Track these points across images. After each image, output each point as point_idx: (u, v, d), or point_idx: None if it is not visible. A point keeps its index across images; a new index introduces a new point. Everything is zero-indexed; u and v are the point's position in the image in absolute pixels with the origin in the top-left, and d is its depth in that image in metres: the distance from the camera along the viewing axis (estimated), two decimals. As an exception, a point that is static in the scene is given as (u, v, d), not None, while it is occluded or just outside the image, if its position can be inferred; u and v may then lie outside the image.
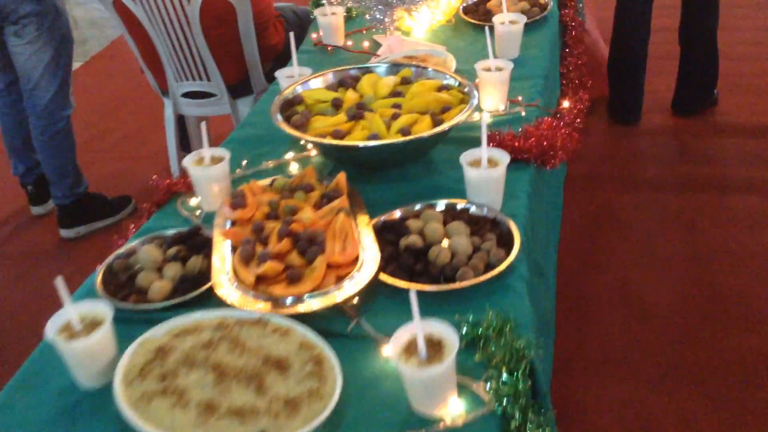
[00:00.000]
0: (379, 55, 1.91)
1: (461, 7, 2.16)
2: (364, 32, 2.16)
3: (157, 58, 2.58)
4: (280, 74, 1.76)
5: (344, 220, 1.25)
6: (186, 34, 2.46)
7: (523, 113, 1.68)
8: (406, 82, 1.56)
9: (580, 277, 2.38)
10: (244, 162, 1.58)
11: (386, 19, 1.80)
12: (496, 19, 1.88)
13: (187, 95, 2.69)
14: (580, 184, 2.83)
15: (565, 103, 1.95)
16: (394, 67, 1.61)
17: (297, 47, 1.82)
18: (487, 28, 1.74)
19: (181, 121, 2.92)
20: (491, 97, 1.68)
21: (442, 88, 1.52)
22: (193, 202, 1.48)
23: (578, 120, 1.89)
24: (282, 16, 2.85)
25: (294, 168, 1.53)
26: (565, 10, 2.43)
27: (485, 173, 1.32)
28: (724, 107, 3.34)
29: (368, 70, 1.61)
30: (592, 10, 3.83)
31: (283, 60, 2.27)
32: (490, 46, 1.66)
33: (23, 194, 3.04)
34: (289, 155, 1.57)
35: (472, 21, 2.08)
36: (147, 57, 2.62)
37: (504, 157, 1.33)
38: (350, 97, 1.51)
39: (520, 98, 1.72)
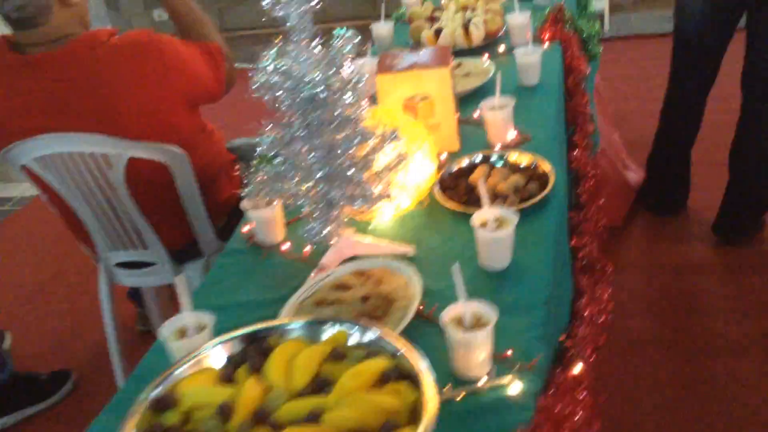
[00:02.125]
0: (323, 269, 1.40)
1: (436, 183, 1.61)
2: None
3: (82, 223, 2.12)
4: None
5: None
6: (112, 201, 2.01)
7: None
8: (337, 356, 1.04)
9: None
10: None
11: (327, 229, 1.31)
12: (477, 219, 1.36)
13: (123, 263, 2.22)
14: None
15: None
16: (318, 328, 1.09)
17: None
18: (473, 224, 1.29)
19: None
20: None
21: (388, 376, 0.99)
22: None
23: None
24: (240, 157, 2.39)
25: None
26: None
27: None
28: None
29: (283, 331, 1.10)
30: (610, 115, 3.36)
31: (240, 212, 1.79)
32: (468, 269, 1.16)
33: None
34: None
35: (451, 208, 1.55)
36: (71, 222, 2.16)
37: None
38: (248, 396, 0.99)
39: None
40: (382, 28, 2.52)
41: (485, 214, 1.34)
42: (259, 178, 1.30)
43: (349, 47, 1.26)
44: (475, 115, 1.90)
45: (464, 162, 1.66)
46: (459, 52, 2.35)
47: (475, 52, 2.35)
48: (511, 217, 1.33)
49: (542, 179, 1.55)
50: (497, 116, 1.71)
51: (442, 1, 2.71)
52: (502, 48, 2.35)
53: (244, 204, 1.50)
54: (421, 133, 1.51)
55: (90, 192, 1.98)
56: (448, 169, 1.64)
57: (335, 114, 1.25)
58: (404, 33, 2.60)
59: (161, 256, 2.15)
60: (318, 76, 1.22)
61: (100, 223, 2.08)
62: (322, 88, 1.22)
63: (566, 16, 2.48)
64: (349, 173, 1.27)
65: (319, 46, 1.25)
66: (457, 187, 1.57)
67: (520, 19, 2.31)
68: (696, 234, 2.90)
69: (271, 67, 1.24)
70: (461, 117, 1.91)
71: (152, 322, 2.61)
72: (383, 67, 1.73)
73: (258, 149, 1.30)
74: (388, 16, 2.94)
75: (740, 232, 2.79)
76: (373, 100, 1.70)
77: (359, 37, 1.28)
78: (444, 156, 1.73)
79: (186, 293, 1.16)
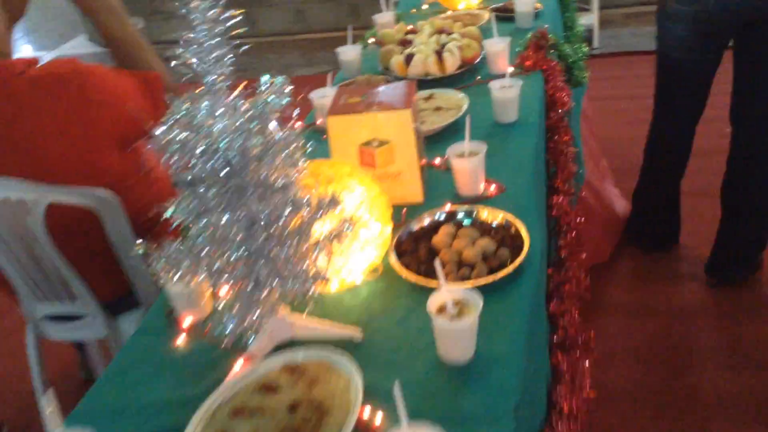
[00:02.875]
0: (251, 357, 1.17)
1: (392, 248, 1.36)
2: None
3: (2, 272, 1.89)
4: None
5: None
6: (33, 250, 1.78)
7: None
8: None
9: None
10: None
11: (253, 316, 1.08)
12: (434, 303, 1.13)
13: (51, 316, 1.99)
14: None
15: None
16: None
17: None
18: (429, 310, 1.07)
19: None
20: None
21: None
22: None
23: None
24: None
25: None
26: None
27: None
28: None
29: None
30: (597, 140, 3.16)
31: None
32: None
33: None
34: None
35: (408, 279, 1.29)
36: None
37: None
38: None
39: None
40: (349, 53, 2.29)
41: (443, 296, 1.12)
42: (169, 253, 1.06)
43: (280, 100, 1.04)
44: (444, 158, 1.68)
45: (426, 220, 1.43)
46: (431, 82, 2.13)
47: (449, 80, 2.13)
48: (475, 301, 1.10)
49: (516, 243, 1.33)
50: (466, 165, 1.49)
51: (417, 22, 2.49)
52: (479, 76, 2.13)
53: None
54: (375, 188, 1.28)
55: (7, 241, 1.74)
56: (408, 229, 1.42)
57: (260, 179, 1.02)
58: (374, 57, 2.38)
59: (92, 308, 1.91)
60: (238, 134, 1.00)
61: (22, 274, 1.84)
62: (243, 149, 1.00)
63: (550, 41, 2.26)
64: (277, 249, 1.04)
65: (242, 98, 1.03)
66: (417, 251, 1.35)
67: (498, 46, 2.09)
68: (688, 273, 2.69)
69: (181, 121, 1.01)
70: (429, 160, 1.69)
71: (94, 371, 2.38)
72: (336, 107, 1.50)
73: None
74: (366, 29, 2.73)
75: (735, 272, 2.58)
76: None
77: (291, 86, 1.06)
78: (405, 210, 1.51)
79: (54, 409, 0.92)
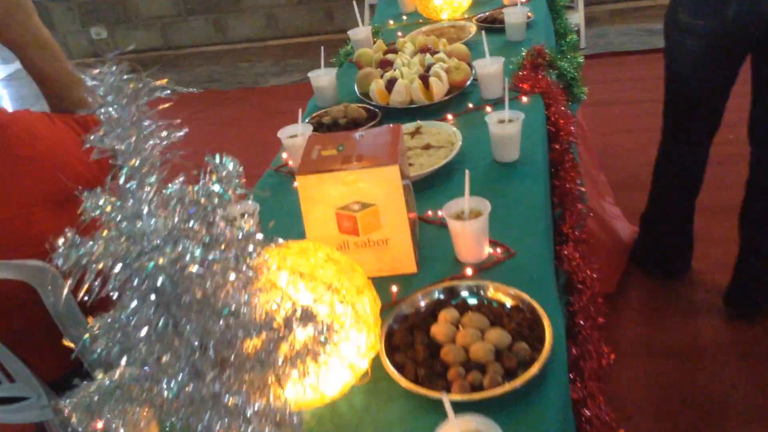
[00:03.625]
0: None
1: (383, 340, 1.09)
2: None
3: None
4: None
5: None
6: (-44, 332, 1.51)
7: None
8: None
9: None
10: None
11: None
12: None
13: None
14: None
15: None
16: None
17: None
18: None
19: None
20: None
21: None
22: None
23: None
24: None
25: None
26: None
27: None
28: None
29: None
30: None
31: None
32: None
33: None
34: None
35: (402, 386, 1.02)
36: None
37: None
38: None
39: None
40: (322, 79, 2.03)
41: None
42: (85, 395, 0.81)
43: (229, 190, 0.78)
44: (439, 213, 1.43)
45: (422, 301, 1.18)
46: (418, 110, 1.88)
47: (436, 107, 1.88)
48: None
49: (535, 332, 1.08)
50: (467, 230, 1.24)
51: (398, 40, 2.23)
52: (471, 103, 1.89)
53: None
54: (360, 280, 1.03)
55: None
56: (400, 313, 1.16)
57: (200, 298, 0.76)
58: (351, 78, 2.12)
59: (35, 389, 1.65)
60: (173, 241, 0.74)
61: (-54, 358, 1.57)
62: (179, 262, 0.74)
63: (547, 57, 2.02)
64: (232, 388, 0.79)
65: (177, 194, 0.77)
66: (413, 347, 1.09)
67: (491, 68, 1.84)
68: (704, 304, 2.45)
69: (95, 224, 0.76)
70: (421, 213, 1.44)
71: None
72: (307, 163, 1.25)
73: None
74: (342, 32, 2.46)
75: (756, 304, 2.35)
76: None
77: (241, 168, 0.80)
78: (397, 291, 1.25)
79: None
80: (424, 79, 1.88)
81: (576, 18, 4.65)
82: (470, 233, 1.24)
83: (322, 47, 2.09)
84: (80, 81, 1.65)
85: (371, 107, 1.91)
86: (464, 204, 1.26)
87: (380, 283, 1.18)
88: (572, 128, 1.79)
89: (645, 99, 3.87)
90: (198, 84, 5.31)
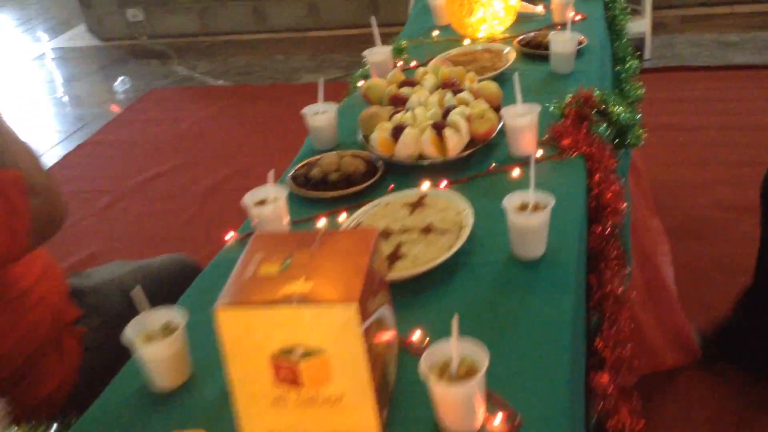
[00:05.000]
0: None
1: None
2: None
3: None
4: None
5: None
6: None
7: None
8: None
9: None
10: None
11: None
12: None
13: None
14: None
15: None
16: None
17: None
18: None
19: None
20: None
21: None
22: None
23: None
24: (92, 308, 1.57)
25: None
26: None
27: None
28: None
29: None
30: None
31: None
32: None
33: None
34: None
35: None
36: None
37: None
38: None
39: None
40: (319, 118, 1.68)
41: None
42: None
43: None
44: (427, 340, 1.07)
45: None
46: (427, 168, 1.51)
47: (452, 165, 1.51)
48: None
49: None
50: (453, 396, 0.88)
51: (417, 70, 1.86)
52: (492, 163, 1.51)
53: None
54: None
55: None
56: None
57: None
58: (358, 112, 1.76)
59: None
60: None
61: None
62: None
63: (597, 106, 1.62)
64: None
65: None
66: None
67: (521, 120, 1.47)
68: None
69: None
70: (402, 333, 1.08)
71: None
72: (236, 286, 0.90)
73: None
74: (389, 26, 2.10)
75: None
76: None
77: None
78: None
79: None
80: (439, 128, 1.51)
81: (641, 25, 4.17)
82: (458, 400, 0.88)
83: (321, 79, 1.73)
84: (6, 135, 1.34)
85: (372, 159, 1.55)
86: (451, 350, 0.90)
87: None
88: (620, 206, 1.40)
89: (715, 125, 3.39)
90: (230, 77, 5.01)
